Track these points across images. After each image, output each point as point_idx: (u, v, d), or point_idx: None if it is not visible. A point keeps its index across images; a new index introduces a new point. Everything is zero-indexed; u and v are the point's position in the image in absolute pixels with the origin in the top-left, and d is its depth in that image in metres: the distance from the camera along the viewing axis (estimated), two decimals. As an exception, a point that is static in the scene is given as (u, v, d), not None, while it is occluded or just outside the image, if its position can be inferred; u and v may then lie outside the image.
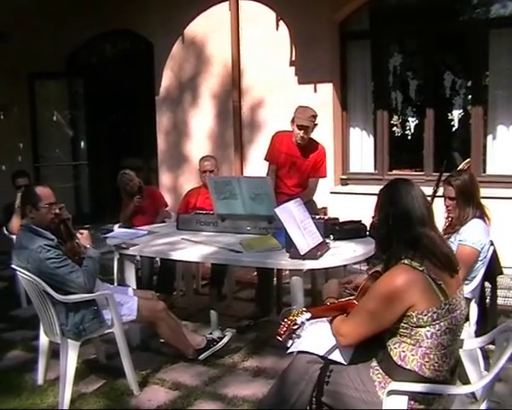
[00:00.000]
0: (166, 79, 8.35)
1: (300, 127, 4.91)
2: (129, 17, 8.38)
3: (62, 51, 9.41)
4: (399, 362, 2.35)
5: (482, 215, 3.74)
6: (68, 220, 3.81)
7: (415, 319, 2.30)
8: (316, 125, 4.99)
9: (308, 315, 2.47)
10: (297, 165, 5.07)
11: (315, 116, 4.96)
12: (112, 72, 9.44)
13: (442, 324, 2.31)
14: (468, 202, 3.71)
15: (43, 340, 3.88)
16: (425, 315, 2.28)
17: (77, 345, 3.60)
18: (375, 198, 2.58)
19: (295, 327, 2.44)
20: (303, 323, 2.45)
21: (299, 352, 2.62)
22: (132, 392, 3.73)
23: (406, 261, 2.34)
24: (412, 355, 2.33)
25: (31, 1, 8.40)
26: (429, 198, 4.09)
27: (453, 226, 3.76)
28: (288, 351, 2.64)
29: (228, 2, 7.48)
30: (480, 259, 3.64)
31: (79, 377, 3.85)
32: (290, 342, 2.48)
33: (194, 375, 3.98)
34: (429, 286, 2.30)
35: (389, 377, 2.37)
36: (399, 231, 2.40)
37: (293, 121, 4.96)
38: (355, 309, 2.46)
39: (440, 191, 4.08)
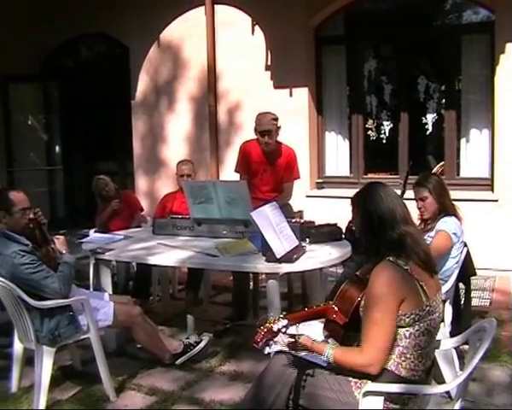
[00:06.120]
0: (142, 83, 8.32)
1: (263, 133, 4.91)
2: (104, 20, 8.32)
3: (37, 54, 9.29)
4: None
5: (455, 215, 3.82)
6: (43, 225, 3.77)
7: (397, 320, 2.31)
8: (279, 127, 4.98)
9: (285, 322, 2.48)
10: (269, 171, 5.08)
11: (276, 119, 4.95)
12: (87, 75, 9.36)
13: (421, 325, 2.33)
14: (443, 196, 3.82)
15: (18, 347, 3.82)
16: (407, 317, 2.31)
17: (52, 351, 3.56)
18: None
19: (273, 334, 2.46)
20: (279, 330, 2.46)
21: (277, 352, 2.62)
22: (109, 398, 3.69)
23: (391, 258, 2.36)
24: (389, 354, 2.34)
25: (3, 2, 8.29)
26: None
27: (427, 226, 3.85)
28: (266, 352, 2.64)
29: (204, 7, 7.49)
30: (452, 256, 3.71)
31: (55, 384, 3.81)
32: (267, 349, 2.48)
33: (170, 380, 3.96)
34: (414, 285, 2.33)
35: (365, 376, 2.37)
36: (385, 232, 2.42)
37: (255, 130, 4.97)
38: (366, 333, 2.33)
39: (409, 194, 4.15)
